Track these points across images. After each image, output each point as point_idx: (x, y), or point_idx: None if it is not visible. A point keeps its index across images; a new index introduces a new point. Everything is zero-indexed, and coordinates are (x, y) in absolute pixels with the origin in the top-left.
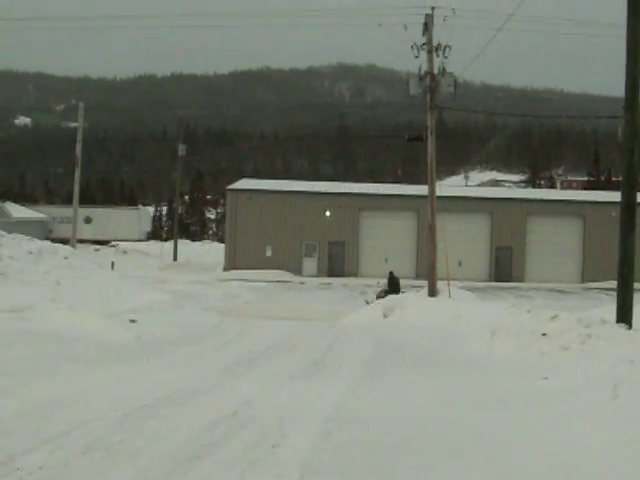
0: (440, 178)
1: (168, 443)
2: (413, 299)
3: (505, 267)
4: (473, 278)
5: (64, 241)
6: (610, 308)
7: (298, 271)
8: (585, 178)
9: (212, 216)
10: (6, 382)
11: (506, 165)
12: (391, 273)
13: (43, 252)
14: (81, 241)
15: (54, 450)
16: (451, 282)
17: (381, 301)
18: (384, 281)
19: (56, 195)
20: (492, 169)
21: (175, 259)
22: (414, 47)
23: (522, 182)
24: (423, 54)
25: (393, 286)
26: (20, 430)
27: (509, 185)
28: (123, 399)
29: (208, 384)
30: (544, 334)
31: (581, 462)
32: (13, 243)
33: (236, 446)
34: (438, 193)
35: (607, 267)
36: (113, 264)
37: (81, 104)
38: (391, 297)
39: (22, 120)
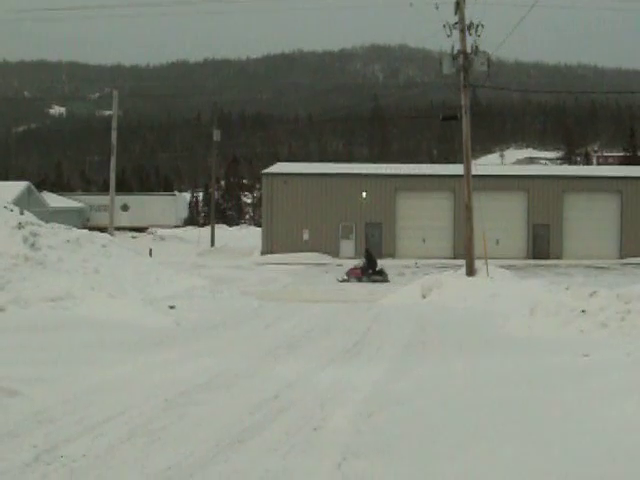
0: (475, 157)
1: (210, 428)
2: (451, 279)
3: (543, 245)
4: (511, 256)
5: (102, 229)
6: None
7: (335, 253)
8: (621, 153)
9: (248, 200)
10: (48, 371)
11: (541, 142)
12: (367, 250)
13: (81, 240)
14: (118, 229)
15: (97, 437)
16: (489, 261)
17: (418, 281)
18: (420, 262)
19: (92, 183)
20: (527, 147)
21: (212, 244)
22: (446, 26)
23: (558, 159)
24: (455, 33)
25: (371, 262)
26: (63, 418)
27: (545, 162)
28: (164, 385)
29: (249, 368)
30: (583, 311)
31: (623, 439)
32: (51, 232)
33: (278, 429)
34: (474, 172)
35: None
36: (151, 251)
37: (115, 92)
38: (428, 277)
39: (57, 110)
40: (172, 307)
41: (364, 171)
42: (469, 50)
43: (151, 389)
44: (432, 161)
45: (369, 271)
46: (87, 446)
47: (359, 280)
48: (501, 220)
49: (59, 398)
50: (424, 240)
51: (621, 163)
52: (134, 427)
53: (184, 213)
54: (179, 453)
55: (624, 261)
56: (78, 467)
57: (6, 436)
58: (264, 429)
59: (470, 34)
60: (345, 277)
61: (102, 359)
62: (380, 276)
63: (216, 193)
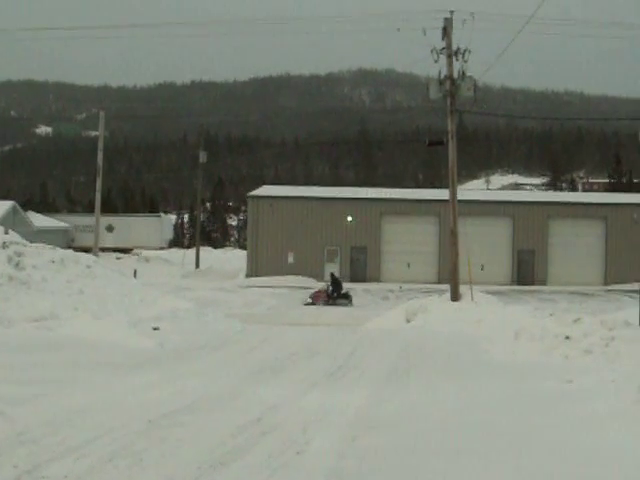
0: (461, 182)
1: (193, 450)
2: (436, 303)
3: (527, 270)
4: (495, 282)
5: (86, 250)
6: (633, 311)
7: (320, 277)
8: (606, 180)
9: (234, 223)
10: (31, 391)
11: (527, 168)
12: (332, 274)
13: (65, 261)
14: (103, 249)
15: (79, 458)
16: (474, 286)
17: (403, 306)
18: (405, 286)
19: (78, 204)
20: (513, 172)
21: (197, 266)
22: (433, 51)
23: (543, 185)
24: (443, 58)
25: (336, 286)
26: (45, 438)
27: (530, 188)
28: (147, 406)
29: (232, 390)
30: (567, 337)
31: (605, 465)
32: (35, 252)
33: (261, 452)
34: (459, 197)
35: (629, 269)
36: (135, 272)
37: (102, 113)
38: (413, 302)
39: (43, 129)
40: (156, 329)
41: (350, 195)
42: (456, 75)
43: (134, 410)
44: (418, 186)
45: (334, 294)
46: (69, 467)
47: (326, 303)
48: (486, 245)
49: (42, 418)
50: (409, 264)
51: (606, 190)
52: (117, 448)
53: (169, 235)
54: (161, 475)
55: (608, 287)
56: None
57: None
58: (247, 452)
59: (457, 59)
60: (310, 300)
61: (85, 380)
62: (346, 299)
63: (202, 215)
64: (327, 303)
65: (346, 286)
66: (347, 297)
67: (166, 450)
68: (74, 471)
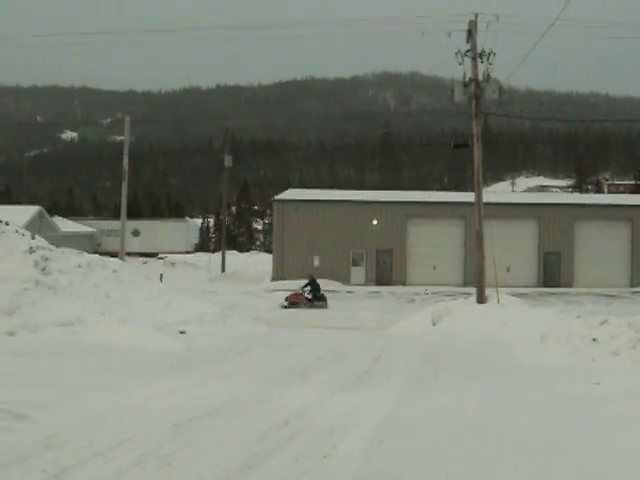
0: (487, 184)
1: (219, 453)
2: (462, 306)
3: (553, 273)
4: (521, 284)
5: (113, 254)
6: None
7: (346, 280)
8: (632, 182)
9: (259, 227)
10: (58, 395)
11: (552, 170)
12: (311, 276)
13: (92, 265)
14: (129, 254)
15: (106, 462)
16: (500, 288)
17: (429, 309)
18: (430, 289)
19: (104, 208)
20: (539, 175)
21: (223, 270)
22: (458, 54)
23: (569, 187)
24: (467, 61)
25: (315, 288)
26: (72, 443)
27: (556, 190)
28: (174, 410)
29: (259, 394)
30: (594, 339)
31: (633, 468)
32: (62, 257)
33: (287, 456)
34: (485, 199)
35: None
36: (162, 276)
37: (127, 118)
38: (439, 305)
39: (69, 135)
40: (183, 332)
41: (375, 198)
42: (481, 78)
43: (161, 414)
44: (443, 188)
45: (314, 296)
46: (96, 471)
47: (305, 306)
48: (512, 248)
49: (69, 423)
50: (434, 267)
51: (632, 192)
52: (144, 452)
53: (195, 239)
54: (188, 479)
55: (635, 289)
56: None
57: (15, 460)
58: (273, 456)
59: (482, 62)
60: (285, 303)
61: (112, 384)
62: (322, 301)
63: (227, 219)
64: (307, 306)
65: (372, 289)
66: (324, 299)
67: (193, 454)
68: (101, 475)
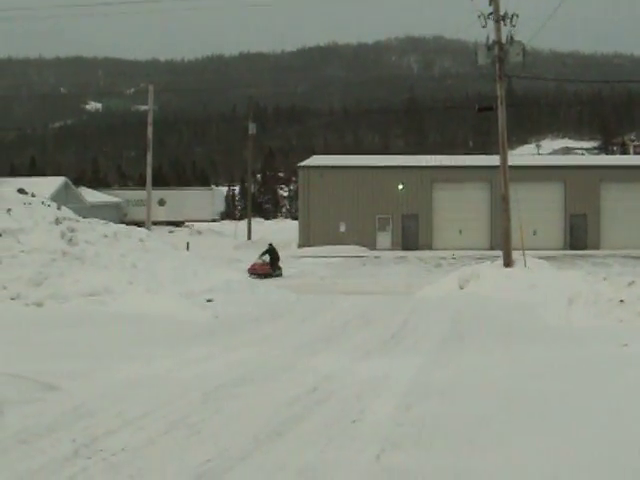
0: (512, 147)
1: (249, 420)
2: (489, 270)
3: (580, 235)
4: (548, 247)
5: (139, 224)
6: None
7: (372, 245)
8: None
9: (285, 193)
10: (87, 365)
11: (578, 132)
12: (271, 244)
13: (118, 235)
14: (155, 223)
15: (136, 431)
16: (526, 252)
17: (456, 273)
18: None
19: (129, 178)
20: (564, 137)
21: (249, 238)
22: (481, 17)
23: (594, 149)
24: (490, 23)
25: (275, 257)
26: (102, 412)
27: (581, 152)
28: (202, 378)
29: (287, 361)
30: (621, 301)
31: None
32: (88, 227)
33: (316, 422)
34: (510, 163)
35: None
36: (188, 245)
37: (151, 87)
38: (465, 268)
39: (93, 105)
40: (210, 301)
41: (400, 163)
42: (504, 40)
43: (189, 382)
44: (468, 152)
45: (274, 265)
46: (126, 440)
47: (267, 276)
48: (538, 211)
49: (98, 392)
50: (461, 231)
51: None
52: (173, 421)
53: (221, 207)
54: (218, 446)
55: None
56: (117, 461)
57: (45, 430)
58: (302, 422)
59: (505, 24)
60: (247, 275)
61: (140, 353)
62: (279, 271)
63: (252, 186)
64: (270, 275)
65: (398, 254)
66: (280, 268)
67: (222, 421)
68: (131, 443)
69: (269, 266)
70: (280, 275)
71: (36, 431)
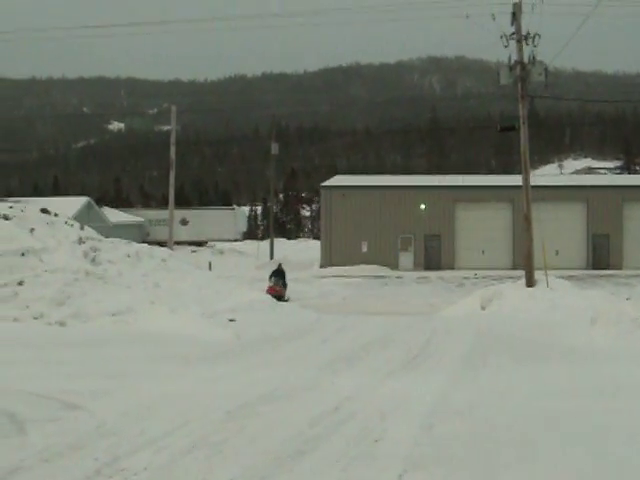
0: (534, 167)
1: (271, 440)
2: (511, 290)
3: (602, 255)
4: (570, 267)
5: (161, 243)
6: None
7: (394, 265)
8: None
9: (307, 213)
10: (110, 384)
11: (600, 152)
12: (280, 265)
13: (141, 255)
14: (178, 243)
15: (158, 450)
16: (548, 271)
17: (478, 292)
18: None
19: (152, 198)
20: (586, 156)
21: (272, 258)
22: (503, 37)
23: (617, 168)
24: (512, 43)
25: (283, 278)
26: (124, 431)
27: (604, 172)
28: (225, 397)
29: (309, 381)
30: None
31: None
32: (111, 247)
33: (338, 441)
34: (533, 182)
35: None
36: (210, 264)
37: (173, 107)
38: (488, 288)
39: (116, 125)
40: (232, 320)
41: (422, 183)
42: (526, 60)
43: (212, 402)
44: (490, 172)
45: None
46: (149, 459)
47: (280, 298)
48: (560, 230)
49: (120, 411)
50: (483, 251)
51: None
52: (195, 439)
53: (243, 227)
54: (241, 465)
55: None
56: None
57: (68, 449)
58: (325, 441)
59: (527, 44)
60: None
61: (163, 372)
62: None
63: (275, 206)
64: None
65: (421, 274)
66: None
67: (245, 441)
68: (154, 463)
69: (281, 289)
70: (289, 299)
71: (59, 450)
